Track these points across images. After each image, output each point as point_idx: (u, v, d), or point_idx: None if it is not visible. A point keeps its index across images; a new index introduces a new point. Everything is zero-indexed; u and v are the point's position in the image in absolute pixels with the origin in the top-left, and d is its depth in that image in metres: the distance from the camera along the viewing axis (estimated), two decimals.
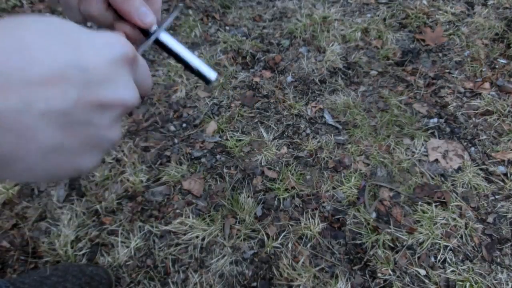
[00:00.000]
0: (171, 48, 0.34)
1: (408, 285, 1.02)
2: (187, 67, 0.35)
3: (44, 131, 0.20)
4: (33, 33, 0.20)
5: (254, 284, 1.02)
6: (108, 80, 0.22)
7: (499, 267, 1.05)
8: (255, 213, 1.13)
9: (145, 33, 0.33)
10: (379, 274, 1.03)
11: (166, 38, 0.34)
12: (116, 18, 0.33)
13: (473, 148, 1.28)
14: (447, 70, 1.50)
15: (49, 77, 0.19)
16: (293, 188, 1.18)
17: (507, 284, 1.02)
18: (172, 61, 1.53)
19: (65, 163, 0.22)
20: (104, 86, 0.22)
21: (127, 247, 1.07)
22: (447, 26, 1.65)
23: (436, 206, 1.14)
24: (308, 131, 1.33)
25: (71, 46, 0.21)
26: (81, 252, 1.06)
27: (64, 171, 0.23)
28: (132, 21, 0.32)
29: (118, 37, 0.24)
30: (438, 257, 1.06)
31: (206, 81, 0.36)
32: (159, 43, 0.34)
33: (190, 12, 1.72)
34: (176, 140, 1.31)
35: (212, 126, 1.34)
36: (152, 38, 0.33)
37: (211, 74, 0.35)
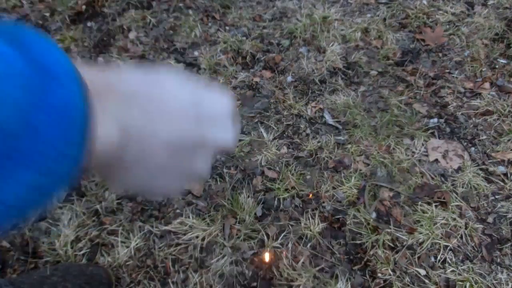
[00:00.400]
0: None
1: (408, 285, 1.02)
2: None
3: (158, 151, 0.25)
4: (169, 82, 0.26)
5: (254, 284, 1.02)
6: (216, 123, 0.28)
7: (499, 267, 1.05)
8: (255, 213, 1.13)
9: None
10: (379, 274, 1.03)
11: None
12: None
13: (473, 148, 1.28)
14: (447, 70, 1.50)
15: (171, 111, 0.25)
16: (293, 188, 1.18)
17: (507, 284, 1.02)
18: (172, 61, 1.53)
19: (161, 181, 0.27)
20: (212, 128, 0.27)
21: (127, 247, 1.07)
22: (447, 26, 1.65)
23: (436, 206, 1.14)
24: (308, 131, 1.33)
25: (195, 94, 0.27)
26: (81, 252, 1.06)
27: (157, 188, 0.28)
28: None
29: (228, 96, 0.30)
30: (438, 257, 1.06)
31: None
32: None
33: (190, 12, 1.72)
34: None
35: None
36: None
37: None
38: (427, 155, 1.27)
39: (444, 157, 1.26)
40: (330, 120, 1.35)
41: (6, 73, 0.16)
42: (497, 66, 1.50)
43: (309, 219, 1.12)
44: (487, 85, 1.44)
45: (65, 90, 0.19)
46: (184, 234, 1.09)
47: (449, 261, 1.05)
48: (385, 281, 1.02)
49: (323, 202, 1.16)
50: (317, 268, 1.04)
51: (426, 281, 1.02)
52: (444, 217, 1.12)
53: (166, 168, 0.26)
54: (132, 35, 1.64)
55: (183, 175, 0.28)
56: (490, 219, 1.13)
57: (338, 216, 1.13)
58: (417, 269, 1.04)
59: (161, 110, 0.25)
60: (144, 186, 0.27)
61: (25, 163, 0.17)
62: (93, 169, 0.25)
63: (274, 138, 1.31)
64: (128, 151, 0.24)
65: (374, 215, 1.13)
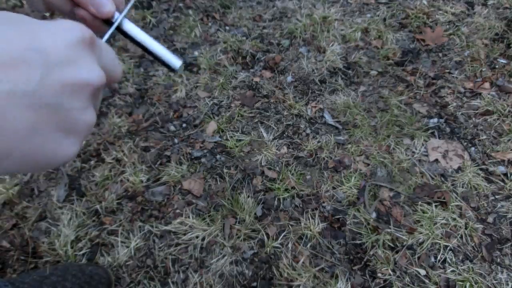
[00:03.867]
0: (134, 36, 0.34)
1: (408, 285, 1.02)
2: (151, 54, 0.34)
3: (14, 112, 0.20)
4: None
5: (254, 284, 1.02)
6: (69, 61, 0.22)
7: (499, 267, 1.05)
8: (255, 213, 1.13)
9: (108, 22, 0.33)
10: (379, 274, 1.03)
11: (129, 26, 0.33)
12: (76, 7, 0.33)
13: (473, 148, 1.28)
14: (447, 70, 1.50)
15: (8, 61, 0.19)
16: (293, 188, 1.18)
17: (507, 284, 1.02)
18: None
19: (43, 148, 0.22)
20: (66, 68, 0.22)
21: (127, 247, 1.07)
22: (447, 26, 1.65)
23: (436, 206, 1.14)
24: (308, 131, 1.33)
25: (26, 32, 0.21)
26: (81, 252, 1.06)
27: (43, 158, 0.23)
28: (88, 11, 0.32)
29: (73, 22, 0.24)
30: (438, 257, 1.06)
31: (171, 69, 0.35)
32: (122, 32, 0.34)
33: (190, 12, 1.72)
34: (176, 140, 1.31)
35: (212, 126, 1.34)
36: (113, 27, 0.33)
37: (176, 62, 0.34)
38: (427, 155, 1.27)
39: (444, 157, 1.26)
40: (330, 120, 1.35)
41: None
42: (497, 66, 1.50)
43: (309, 219, 1.12)
44: (487, 85, 1.44)
45: None
46: (184, 234, 1.09)
47: (449, 261, 1.05)
48: (385, 281, 1.02)
49: (323, 202, 1.16)
50: (317, 268, 1.04)
51: (426, 281, 1.02)
52: (444, 217, 1.12)
53: (40, 130, 0.21)
54: None
55: (67, 131, 0.23)
56: (490, 219, 1.13)
57: (338, 216, 1.13)
58: (417, 269, 1.04)
59: None
60: (20, 162, 0.22)
61: None
62: None
63: (274, 138, 1.31)
64: None
65: (374, 215, 1.13)
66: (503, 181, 1.20)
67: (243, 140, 1.30)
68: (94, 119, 0.25)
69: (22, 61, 0.20)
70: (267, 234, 1.09)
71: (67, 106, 0.22)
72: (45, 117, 0.21)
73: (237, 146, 1.28)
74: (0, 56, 0.19)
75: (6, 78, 0.19)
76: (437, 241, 1.08)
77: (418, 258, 1.06)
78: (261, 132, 1.32)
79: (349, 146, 1.28)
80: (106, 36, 0.32)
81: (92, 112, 0.25)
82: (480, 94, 1.42)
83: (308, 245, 1.08)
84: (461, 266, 1.04)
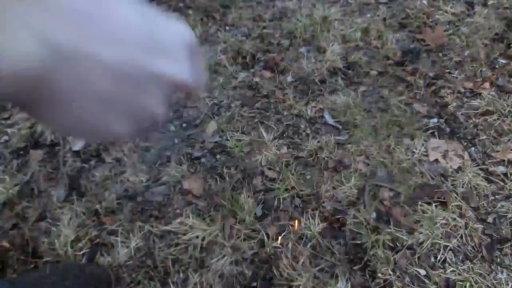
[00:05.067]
0: None
1: (408, 285, 1.02)
2: None
3: (101, 78, 0.21)
4: (117, 6, 0.22)
5: (254, 284, 1.02)
6: (169, 56, 0.24)
7: (499, 267, 1.05)
8: (255, 213, 1.13)
9: None
10: (379, 274, 1.03)
11: None
12: None
13: (473, 148, 1.28)
14: (447, 70, 1.50)
15: (122, 35, 0.21)
16: (293, 188, 1.18)
17: (507, 284, 1.02)
18: None
19: (106, 118, 0.23)
20: (164, 60, 0.24)
21: (127, 247, 1.07)
22: (447, 26, 1.65)
23: (436, 206, 1.14)
24: (308, 131, 1.33)
25: (147, 19, 0.23)
26: (81, 252, 1.06)
27: (102, 128, 0.24)
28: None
29: (187, 27, 0.26)
30: (438, 257, 1.06)
31: None
32: None
33: (190, 12, 1.72)
34: (176, 140, 1.31)
35: (212, 126, 1.34)
36: None
37: None
38: (427, 155, 1.27)
39: (444, 157, 1.26)
40: (330, 120, 1.35)
41: None
42: (497, 66, 1.50)
43: (309, 219, 1.12)
44: (487, 85, 1.44)
45: None
46: (184, 234, 1.09)
47: (449, 261, 1.05)
48: (385, 281, 1.02)
49: (323, 202, 1.16)
50: (317, 268, 1.04)
51: (426, 281, 1.02)
52: (444, 217, 1.12)
53: (111, 101, 0.22)
54: None
55: (132, 112, 0.24)
56: (490, 219, 1.13)
57: (338, 216, 1.13)
58: (417, 269, 1.04)
59: (104, 30, 0.20)
60: (85, 124, 0.23)
61: None
62: (8, 98, 0.20)
63: (274, 138, 1.31)
64: (61, 75, 0.19)
65: (374, 215, 1.13)
66: (503, 181, 1.20)
67: (243, 140, 1.30)
68: (162, 115, 0.26)
69: (131, 40, 0.22)
70: (267, 234, 1.09)
71: (148, 90, 0.24)
72: (124, 92, 0.22)
73: (237, 146, 1.28)
74: (119, 30, 0.21)
75: (110, 49, 0.21)
76: (437, 241, 1.08)
77: (418, 258, 1.06)
78: (261, 132, 1.32)
79: (349, 146, 1.28)
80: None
81: (163, 108, 0.26)
82: (480, 94, 1.42)
83: (308, 245, 1.08)
84: (461, 266, 1.04)
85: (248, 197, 1.16)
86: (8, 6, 0.17)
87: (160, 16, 0.25)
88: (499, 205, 1.16)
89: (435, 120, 1.35)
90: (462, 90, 1.44)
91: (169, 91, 0.26)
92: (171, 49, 0.24)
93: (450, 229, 1.10)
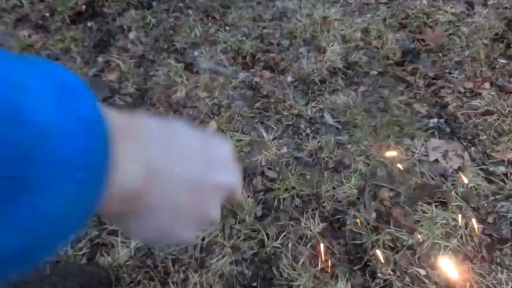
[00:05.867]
0: None
1: (408, 285, 1.02)
2: None
3: (178, 191, 0.25)
4: (181, 128, 0.28)
5: (254, 284, 1.02)
6: (224, 168, 0.30)
7: (499, 267, 1.05)
8: (255, 213, 1.13)
9: None
10: (379, 274, 1.03)
11: None
12: None
13: (473, 148, 1.28)
14: (447, 70, 1.50)
15: (187, 156, 0.27)
16: (293, 188, 1.18)
17: (507, 284, 1.02)
18: (172, 61, 1.53)
19: (178, 226, 0.28)
20: (221, 171, 0.29)
21: (127, 247, 1.07)
22: (447, 26, 1.65)
23: (436, 206, 1.14)
24: (308, 131, 1.33)
25: (203, 139, 0.29)
26: (81, 252, 1.06)
27: (173, 235, 0.28)
28: None
29: (229, 140, 0.32)
30: (438, 257, 1.06)
31: None
32: None
33: (190, 12, 1.72)
34: None
35: (212, 126, 1.34)
36: None
37: None
38: (427, 155, 1.26)
39: (444, 157, 1.26)
40: (330, 120, 1.35)
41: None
42: (497, 66, 1.50)
43: (309, 219, 1.12)
44: (487, 85, 1.44)
45: (88, 102, 0.19)
46: None
47: (449, 261, 1.05)
48: (385, 281, 1.02)
49: (323, 202, 1.16)
50: (317, 268, 1.04)
51: (426, 281, 1.02)
52: (444, 217, 1.12)
53: (183, 211, 0.27)
54: (132, 35, 1.64)
55: (197, 219, 0.29)
56: (490, 219, 1.13)
57: (338, 216, 1.13)
58: (417, 269, 1.04)
59: (179, 151, 0.26)
60: (163, 232, 0.27)
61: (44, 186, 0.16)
62: (112, 216, 0.25)
63: (274, 138, 1.31)
64: (153, 189, 0.24)
65: (374, 215, 1.13)
66: (503, 181, 1.20)
67: (243, 140, 1.30)
68: (218, 219, 0.31)
69: (194, 159, 0.27)
70: (267, 234, 1.09)
71: (208, 199, 0.28)
72: (191, 201, 0.27)
73: (237, 146, 1.28)
74: (187, 150, 0.27)
75: (182, 166, 0.25)
76: (437, 241, 1.08)
77: (418, 258, 1.06)
78: (261, 132, 1.32)
79: (349, 146, 1.28)
80: None
81: (219, 212, 0.30)
82: (480, 94, 1.42)
83: (308, 245, 1.08)
84: (461, 266, 1.04)
85: (248, 197, 1.16)
86: (129, 141, 0.22)
87: (208, 134, 0.31)
88: (499, 205, 1.16)
89: (435, 120, 1.35)
90: (462, 90, 1.44)
91: (224, 196, 0.30)
92: (223, 161, 0.30)
93: (450, 229, 1.10)
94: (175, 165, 0.25)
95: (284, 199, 1.16)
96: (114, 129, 0.21)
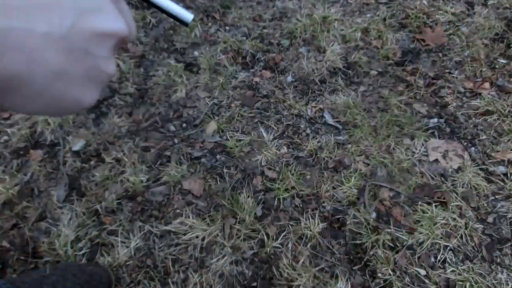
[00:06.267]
0: None
1: (408, 285, 1.02)
2: (162, 11, 0.35)
3: (49, 53, 0.21)
4: None
5: (254, 284, 1.02)
6: (100, 10, 0.24)
7: (499, 267, 1.05)
8: (255, 213, 1.13)
9: None
10: (379, 274, 1.03)
11: None
12: None
13: (473, 148, 1.28)
14: (447, 70, 1.50)
15: (45, 4, 0.21)
16: (293, 188, 1.18)
17: (507, 284, 1.02)
18: (172, 61, 1.53)
19: (68, 92, 0.24)
20: (97, 15, 0.24)
21: (127, 247, 1.07)
22: (447, 26, 1.65)
23: (436, 206, 1.14)
24: (308, 131, 1.33)
25: None
26: (81, 252, 1.06)
27: (66, 103, 0.24)
28: None
29: None
30: (438, 257, 1.06)
31: (184, 23, 0.35)
32: None
33: (190, 12, 1.72)
34: (176, 140, 1.31)
35: (212, 126, 1.34)
36: None
37: (188, 16, 0.35)
38: (427, 155, 1.27)
39: (444, 157, 1.26)
40: (330, 120, 1.35)
41: None
42: (497, 66, 1.50)
43: (309, 219, 1.12)
44: (487, 85, 1.44)
45: None
46: (184, 234, 1.09)
47: (449, 261, 1.05)
48: (385, 281, 1.02)
49: (323, 202, 1.16)
50: (317, 268, 1.04)
51: (426, 281, 1.02)
52: (444, 217, 1.12)
53: (68, 74, 0.23)
54: None
55: (90, 78, 0.25)
56: (490, 219, 1.13)
57: (338, 216, 1.13)
58: (417, 269, 1.04)
59: (32, 2, 0.20)
60: (51, 103, 0.23)
61: None
62: None
63: (274, 138, 1.31)
64: (14, 60, 0.20)
65: (374, 215, 1.13)
66: (503, 181, 1.20)
67: (243, 140, 1.30)
68: (115, 70, 0.26)
69: (57, 5, 0.21)
70: (267, 234, 1.09)
71: (94, 53, 0.24)
72: (73, 61, 0.23)
73: (237, 146, 1.28)
74: (48, 2, 0.21)
75: (42, 20, 0.20)
76: (437, 241, 1.08)
77: (418, 258, 1.06)
78: (261, 132, 1.32)
79: (349, 146, 1.28)
80: None
81: (113, 63, 0.26)
82: (480, 94, 1.42)
83: (308, 245, 1.08)
84: (461, 266, 1.04)
85: (248, 197, 1.16)
86: None
87: None
88: (499, 205, 1.16)
89: (435, 120, 1.36)
90: (462, 90, 1.44)
91: (114, 45, 0.26)
92: (97, 4, 0.24)
93: (450, 229, 1.10)
94: (32, 21, 0.20)
95: (284, 199, 1.16)
96: None
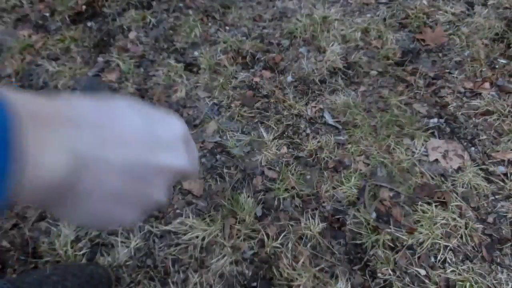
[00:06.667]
0: None
1: (408, 285, 1.02)
2: None
3: (113, 178, 0.24)
4: (121, 109, 0.26)
5: (254, 284, 1.02)
6: (171, 150, 0.28)
7: (499, 267, 1.05)
8: (255, 213, 1.13)
9: None
10: (379, 274, 1.03)
11: None
12: None
13: (473, 148, 1.28)
14: (447, 70, 1.50)
15: (130, 138, 0.25)
16: (293, 188, 1.18)
17: (507, 284, 1.02)
18: (172, 61, 1.53)
19: (116, 211, 0.26)
20: (167, 154, 0.27)
21: (127, 247, 1.07)
22: (447, 26, 1.65)
23: (436, 206, 1.14)
24: (308, 131, 1.33)
25: (147, 119, 0.27)
26: (81, 252, 1.06)
27: (110, 219, 0.27)
28: None
29: (180, 119, 0.30)
30: (438, 257, 1.06)
31: None
32: None
33: (190, 12, 1.72)
34: None
35: (212, 126, 1.34)
36: None
37: None
38: (427, 155, 1.27)
39: (444, 157, 1.26)
40: (330, 120, 1.35)
41: None
42: (497, 66, 1.50)
43: (309, 219, 1.12)
44: (487, 85, 1.44)
45: None
46: (184, 234, 1.09)
47: (449, 261, 1.05)
48: (385, 281, 1.02)
49: (323, 202, 1.16)
50: (317, 268, 1.04)
51: (426, 281, 1.02)
52: (444, 217, 1.12)
53: (122, 196, 0.26)
54: (132, 35, 1.64)
55: (139, 203, 0.27)
56: (490, 219, 1.13)
57: (338, 216, 1.13)
58: (417, 269, 1.04)
59: (114, 136, 0.24)
60: (99, 218, 0.26)
61: None
62: (38, 202, 0.23)
63: (274, 138, 1.31)
64: (82, 178, 0.23)
65: (374, 215, 1.13)
66: (503, 181, 1.20)
67: (243, 140, 1.30)
68: (165, 200, 0.29)
69: (135, 140, 0.25)
70: (267, 234, 1.09)
71: (151, 182, 0.27)
72: (131, 186, 0.26)
73: (237, 146, 1.28)
74: (125, 134, 0.25)
75: (121, 152, 0.24)
76: (437, 241, 1.08)
77: (418, 258, 1.06)
78: (261, 132, 1.32)
79: (349, 146, 1.28)
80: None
81: (166, 193, 0.29)
82: (480, 94, 1.42)
83: (308, 245, 1.08)
84: (461, 266, 1.04)
85: (248, 197, 1.16)
86: (51, 128, 0.21)
87: (157, 114, 0.29)
88: (499, 205, 1.16)
89: (435, 120, 1.35)
90: (462, 90, 1.44)
91: (172, 179, 0.29)
92: (169, 142, 0.28)
93: (450, 229, 1.10)
94: (108, 152, 0.23)
95: (284, 199, 1.16)
96: (23, 117, 0.19)
